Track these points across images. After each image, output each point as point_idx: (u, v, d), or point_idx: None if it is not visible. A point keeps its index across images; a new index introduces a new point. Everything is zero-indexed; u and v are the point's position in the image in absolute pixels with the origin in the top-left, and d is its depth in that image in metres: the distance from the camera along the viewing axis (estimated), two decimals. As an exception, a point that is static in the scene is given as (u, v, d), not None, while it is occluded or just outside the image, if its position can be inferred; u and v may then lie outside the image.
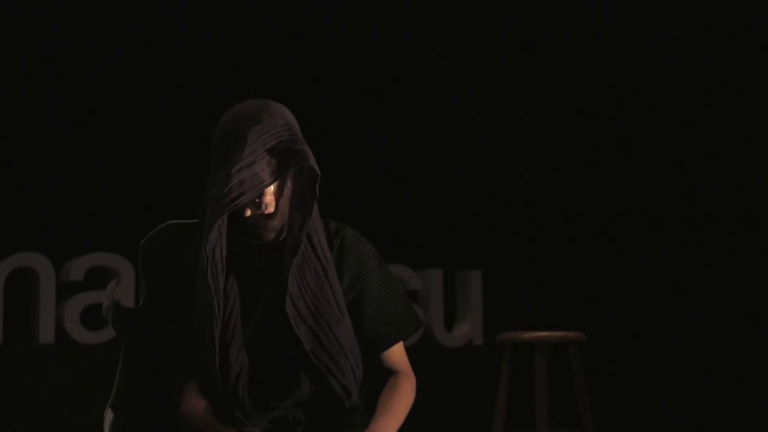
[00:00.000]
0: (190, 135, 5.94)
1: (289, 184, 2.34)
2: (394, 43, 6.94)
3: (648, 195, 6.93)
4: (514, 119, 7.16)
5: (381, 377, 2.48)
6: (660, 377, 6.59)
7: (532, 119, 7.17)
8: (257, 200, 2.30)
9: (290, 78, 6.32)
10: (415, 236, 6.52)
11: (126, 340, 2.46)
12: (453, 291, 6.25)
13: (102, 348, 5.41)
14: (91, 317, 5.42)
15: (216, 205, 2.29)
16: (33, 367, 5.32)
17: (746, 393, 6.30)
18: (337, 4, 6.74)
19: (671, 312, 6.67)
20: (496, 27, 7.17)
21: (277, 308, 2.35)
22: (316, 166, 2.33)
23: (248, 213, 2.32)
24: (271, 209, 2.32)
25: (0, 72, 5.89)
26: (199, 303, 2.33)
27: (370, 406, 2.43)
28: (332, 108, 6.46)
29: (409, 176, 6.79)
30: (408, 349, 2.54)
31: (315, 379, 2.35)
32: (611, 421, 5.95)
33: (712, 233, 6.63)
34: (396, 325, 2.46)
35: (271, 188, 2.32)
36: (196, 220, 2.41)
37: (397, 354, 2.48)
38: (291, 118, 2.37)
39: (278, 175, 2.29)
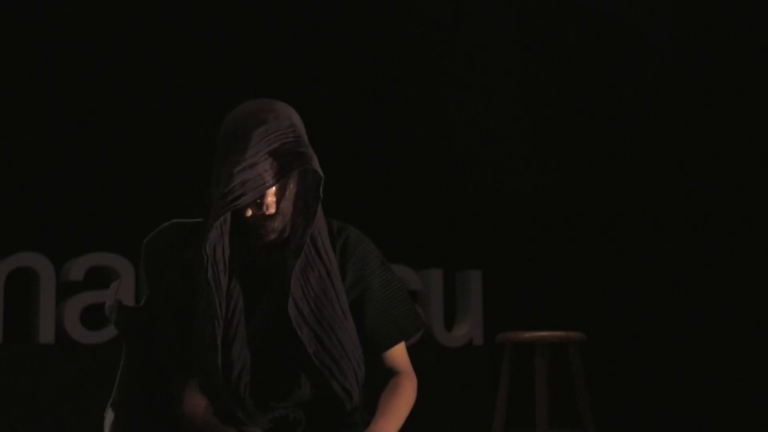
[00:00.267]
0: (190, 135, 5.95)
1: (291, 185, 2.34)
2: (394, 43, 6.94)
3: (648, 195, 6.93)
4: (514, 119, 7.16)
5: (382, 377, 2.48)
6: (660, 377, 6.59)
7: (532, 119, 7.17)
8: (259, 201, 2.30)
9: (290, 78, 6.32)
10: (415, 236, 6.52)
11: (127, 340, 2.46)
12: (453, 291, 6.25)
13: (102, 348, 5.40)
14: (91, 317, 5.42)
15: (217, 205, 2.29)
16: (33, 367, 5.31)
17: (746, 393, 6.30)
18: (337, 4, 6.74)
19: (671, 312, 6.67)
20: (496, 27, 7.18)
21: (278, 309, 2.35)
22: (319, 169, 2.32)
23: (249, 213, 2.32)
24: (272, 210, 2.32)
25: (0, 72, 5.89)
26: (201, 302, 2.33)
27: (371, 406, 2.43)
28: (332, 108, 6.46)
29: (409, 176, 6.79)
30: (408, 349, 2.53)
31: (317, 381, 2.35)
32: (611, 421, 5.95)
33: (712, 233, 6.63)
34: (398, 325, 2.46)
35: (273, 189, 2.31)
36: (200, 220, 2.41)
37: (398, 354, 2.48)
38: (297, 120, 2.36)
39: (281, 177, 2.29)
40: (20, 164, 5.86)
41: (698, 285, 6.61)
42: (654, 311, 6.70)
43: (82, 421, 5.21)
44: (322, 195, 2.34)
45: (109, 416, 2.46)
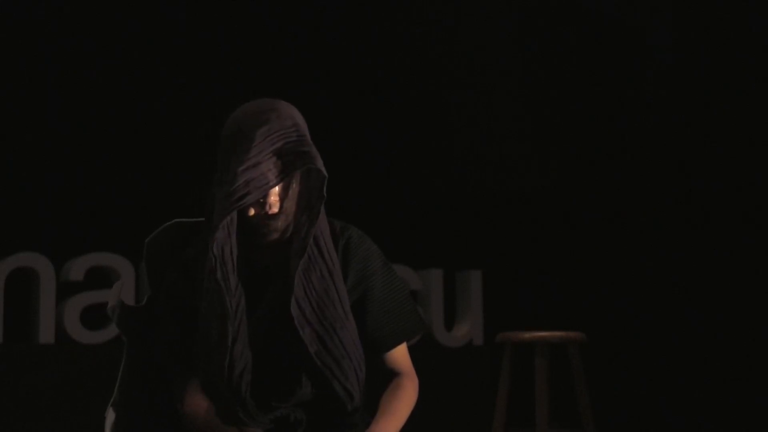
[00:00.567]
0: (190, 135, 5.95)
1: (295, 185, 2.34)
2: (394, 43, 6.94)
3: (648, 195, 6.93)
4: (514, 119, 7.16)
5: (384, 378, 2.48)
6: (660, 377, 6.59)
7: (532, 119, 7.17)
8: (262, 200, 2.30)
9: (290, 78, 6.32)
10: (415, 236, 6.53)
11: (129, 340, 2.46)
12: (453, 291, 6.25)
13: (102, 348, 5.40)
14: (91, 317, 5.42)
15: (222, 205, 2.29)
16: (33, 367, 5.31)
17: (746, 393, 6.30)
18: (337, 4, 6.74)
19: (671, 312, 6.67)
20: (496, 27, 7.18)
21: (280, 308, 2.35)
22: (323, 168, 2.32)
23: (252, 212, 2.32)
24: (275, 209, 2.32)
25: (0, 72, 5.89)
26: (204, 302, 2.33)
27: (372, 406, 2.43)
28: (332, 108, 6.46)
29: (409, 176, 6.79)
30: (408, 350, 2.53)
31: (318, 381, 2.35)
32: (611, 421, 5.95)
33: (712, 233, 6.63)
34: (400, 326, 2.46)
35: (276, 189, 2.31)
36: (201, 219, 2.41)
37: (400, 355, 2.48)
38: (300, 119, 2.36)
39: (284, 176, 2.29)
40: (20, 164, 5.86)
41: (698, 285, 6.61)
42: (654, 311, 6.70)
43: (82, 421, 5.21)
44: (325, 194, 2.34)
45: (110, 416, 2.46)
